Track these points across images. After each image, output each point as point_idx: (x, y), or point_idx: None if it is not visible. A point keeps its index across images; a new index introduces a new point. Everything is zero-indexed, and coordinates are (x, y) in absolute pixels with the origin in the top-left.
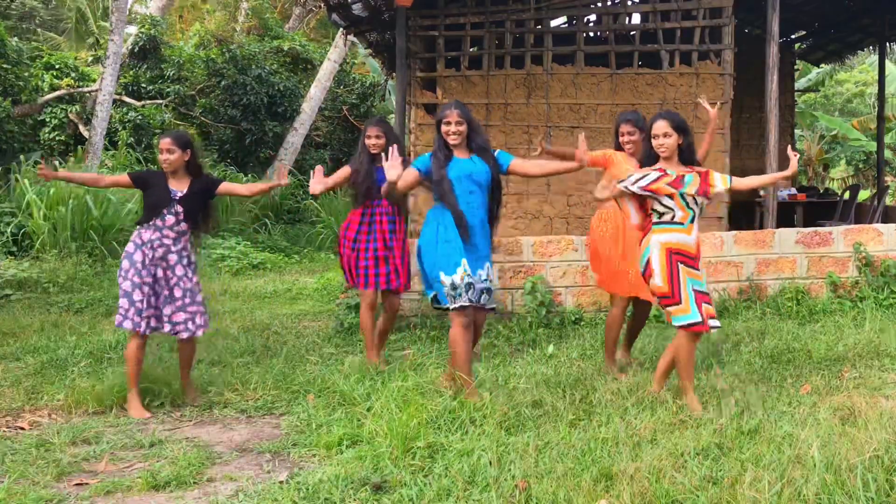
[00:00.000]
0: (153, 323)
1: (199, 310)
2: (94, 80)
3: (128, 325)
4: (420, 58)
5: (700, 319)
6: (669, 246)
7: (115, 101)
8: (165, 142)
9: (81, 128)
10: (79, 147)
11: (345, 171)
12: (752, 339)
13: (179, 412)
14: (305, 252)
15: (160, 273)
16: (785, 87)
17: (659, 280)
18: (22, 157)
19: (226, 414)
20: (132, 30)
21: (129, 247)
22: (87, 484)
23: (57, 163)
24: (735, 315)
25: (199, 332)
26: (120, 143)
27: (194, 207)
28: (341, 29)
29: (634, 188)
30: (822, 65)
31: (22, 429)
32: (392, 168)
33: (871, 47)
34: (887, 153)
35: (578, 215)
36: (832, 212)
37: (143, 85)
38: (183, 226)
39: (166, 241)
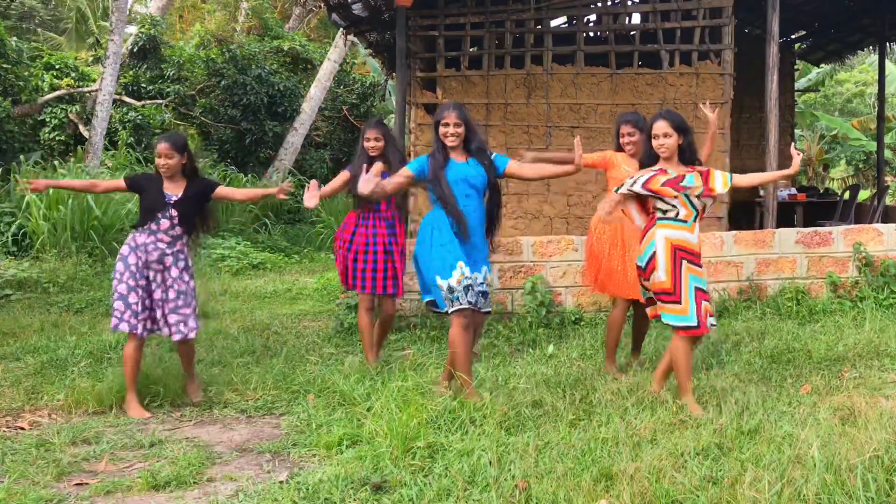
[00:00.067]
0: (149, 325)
1: (192, 313)
2: (94, 80)
3: (124, 327)
4: (420, 58)
5: (696, 323)
6: (674, 242)
7: (115, 101)
8: (163, 146)
9: (81, 128)
10: (79, 147)
11: (344, 175)
12: (752, 339)
13: (179, 412)
14: (305, 252)
15: (156, 276)
16: (785, 87)
17: (663, 275)
18: (22, 157)
19: (226, 414)
20: (132, 30)
21: (124, 249)
22: (87, 484)
23: (56, 163)
24: (735, 315)
25: (191, 335)
26: (120, 143)
27: (189, 211)
28: (341, 29)
29: (636, 188)
30: (822, 65)
31: (22, 429)
32: (366, 183)
33: (871, 47)
34: (887, 153)
35: (578, 215)
36: (832, 212)
37: (143, 85)
38: (178, 230)
39: (161, 244)
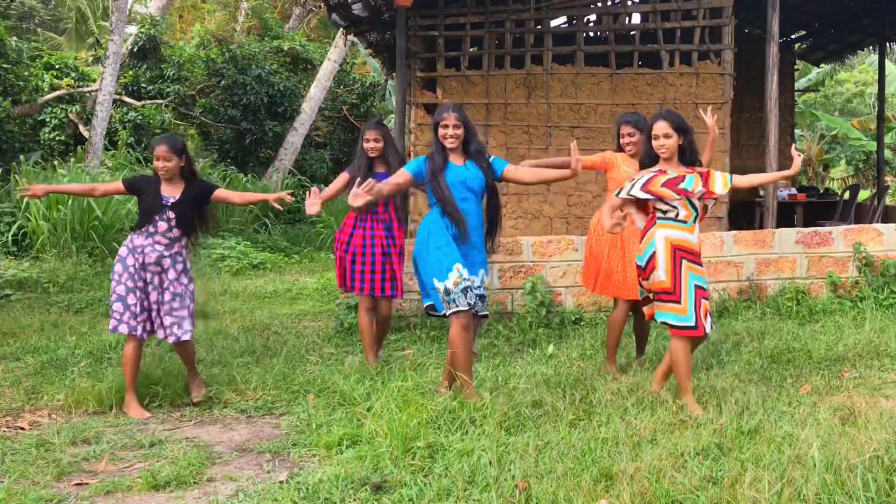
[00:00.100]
0: (148, 327)
1: (187, 316)
2: (94, 80)
3: (123, 328)
4: (420, 58)
5: (694, 324)
6: (673, 242)
7: (115, 101)
8: (161, 150)
9: (81, 128)
10: (79, 147)
11: (343, 177)
12: (752, 339)
13: (179, 412)
14: (305, 252)
15: (153, 278)
16: (785, 87)
17: (663, 275)
18: (22, 157)
19: (226, 414)
20: (132, 30)
21: (122, 251)
22: (87, 484)
23: (56, 163)
24: (735, 315)
25: (184, 337)
26: (120, 143)
27: (187, 213)
28: (341, 29)
29: (635, 192)
30: (822, 65)
31: (22, 429)
32: (356, 198)
33: (871, 47)
34: (887, 153)
35: (578, 215)
36: (832, 212)
37: (143, 85)
38: (175, 231)
39: (158, 246)
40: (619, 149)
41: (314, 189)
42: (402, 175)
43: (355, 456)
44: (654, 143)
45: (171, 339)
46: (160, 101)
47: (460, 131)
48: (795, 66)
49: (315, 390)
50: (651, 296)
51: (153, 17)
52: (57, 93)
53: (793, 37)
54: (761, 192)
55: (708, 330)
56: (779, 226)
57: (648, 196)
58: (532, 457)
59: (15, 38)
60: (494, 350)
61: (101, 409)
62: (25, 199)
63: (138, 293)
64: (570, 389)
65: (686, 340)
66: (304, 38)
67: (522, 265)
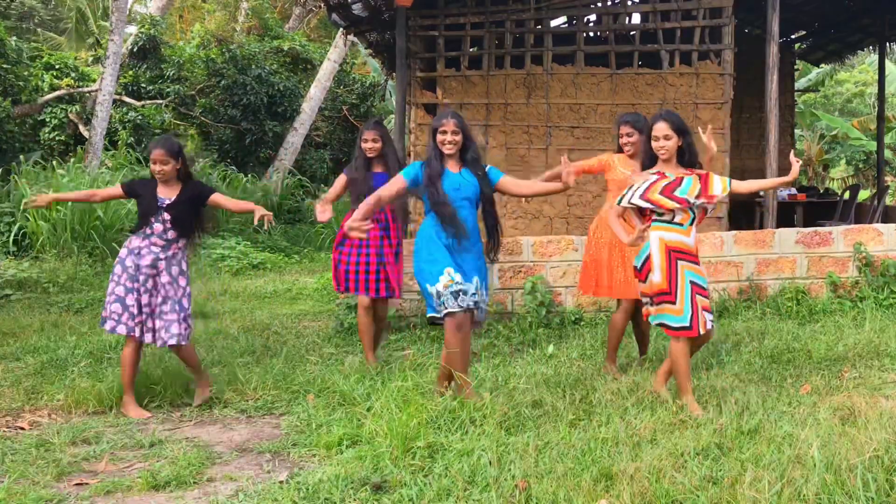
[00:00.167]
0: (145, 328)
1: (178, 319)
2: (94, 80)
3: (121, 329)
4: (420, 58)
5: (689, 324)
6: (669, 244)
7: (115, 101)
8: (158, 153)
9: (81, 128)
10: (79, 147)
11: (341, 180)
12: (752, 339)
13: (179, 412)
14: (305, 252)
15: (147, 281)
16: (785, 87)
17: (658, 276)
18: (22, 157)
19: (226, 414)
20: (132, 30)
21: (122, 252)
22: (87, 484)
23: (56, 163)
24: (735, 315)
25: (171, 342)
26: (120, 143)
27: (182, 215)
28: (341, 29)
29: (636, 200)
30: (822, 65)
31: (22, 429)
32: (353, 228)
33: (871, 47)
34: (887, 153)
35: (578, 215)
36: (832, 212)
37: (143, 85)
38: (171, 234)
39: (154, 248)
40: (620, 149)
41: (325, 197)
42: (398, 182)
43: (355, 456)
44: (654, 144)
45: (158, 343)
46: (160, 102)
47: (458, 138)
48: (795, 66)
49: (315, 390)
50: (648, 300)
51: (153, 17)
52: (57, 93)
53: (793, 37)
54: (761, 193)
55: (707, 327)
56: (779, 226)
57: (647, 205)
58: (532, 457)
59: (15, 38)
60: (494, 350)
61: (101, 409)
62: (25, 200)
63: (136, 294)
64: (570, 389)
65: (684, 341)
66: (304, 38)
67: (522, 265)
